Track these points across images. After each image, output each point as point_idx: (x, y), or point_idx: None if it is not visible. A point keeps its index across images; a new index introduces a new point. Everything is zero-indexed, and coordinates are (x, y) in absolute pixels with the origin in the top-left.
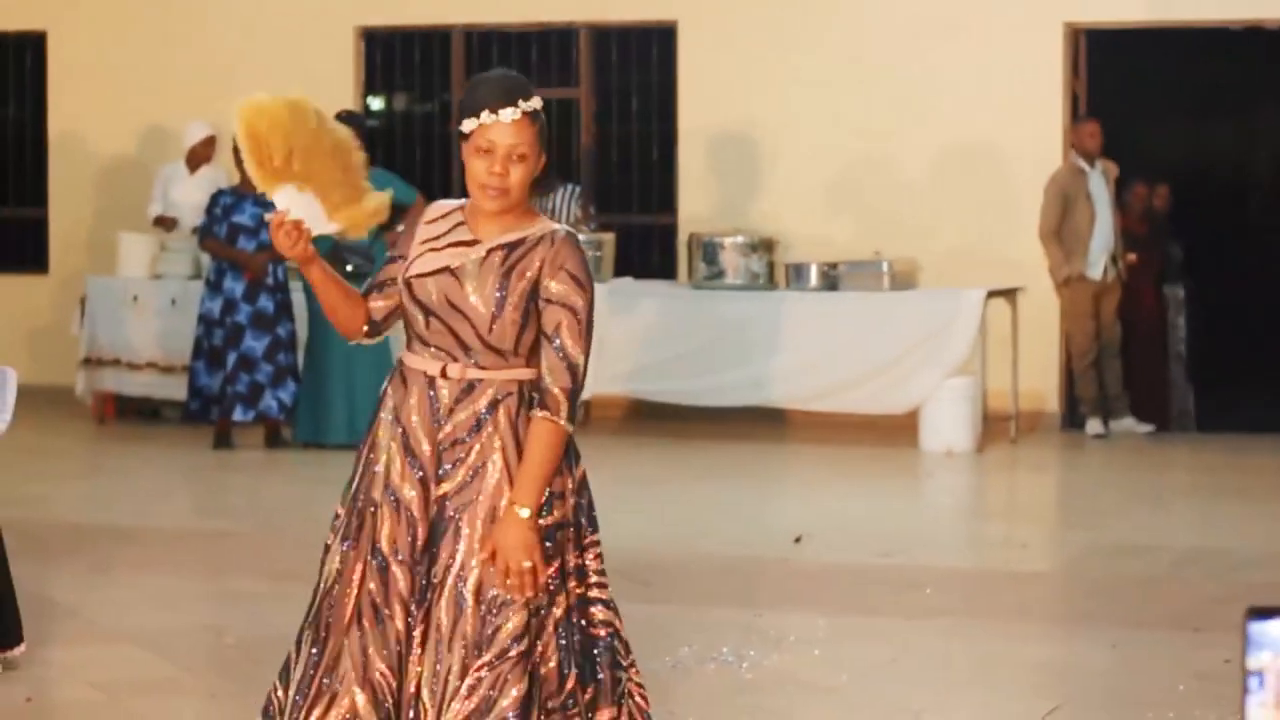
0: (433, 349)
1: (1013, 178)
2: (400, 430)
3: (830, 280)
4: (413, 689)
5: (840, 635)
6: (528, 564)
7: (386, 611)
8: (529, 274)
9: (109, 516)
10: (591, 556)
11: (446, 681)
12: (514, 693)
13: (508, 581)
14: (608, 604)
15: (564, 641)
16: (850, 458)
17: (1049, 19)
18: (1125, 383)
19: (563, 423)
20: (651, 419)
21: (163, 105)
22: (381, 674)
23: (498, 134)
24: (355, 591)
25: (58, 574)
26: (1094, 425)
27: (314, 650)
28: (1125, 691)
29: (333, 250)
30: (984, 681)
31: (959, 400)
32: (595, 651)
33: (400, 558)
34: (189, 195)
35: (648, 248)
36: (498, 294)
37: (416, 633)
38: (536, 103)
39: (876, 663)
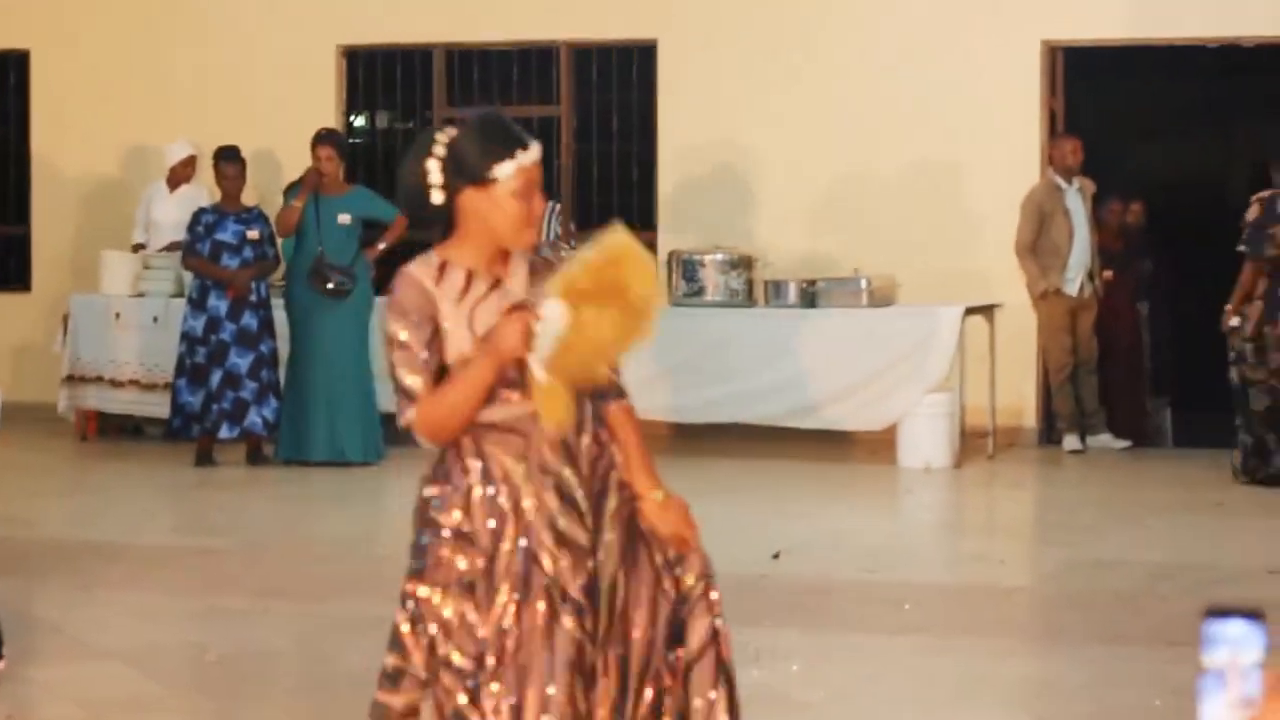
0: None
1: (991, 195)
2: (541, 475)
3: (809, 297)
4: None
5: (818, 651)
6: (692, 531)
7: (586, 655)
8: None
9: (91, 534)
10: None
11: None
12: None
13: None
14: None
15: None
16: (829, 474)
17: (1026, 37)
18: (1102, 398)
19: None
20: None
21: (145, 124)
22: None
23: (535, 171)
24: (552, 640)
25: (40, 591)
26: (1071, 441)
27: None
28: (1103, 707)
29: (314, 267)
30: (962, 698)
31: (937, 416)
32: None
33: (586, 593)
34: (169, 214)
35: None
36: None
37: (600, 663)
38: None
39: (854, 679)
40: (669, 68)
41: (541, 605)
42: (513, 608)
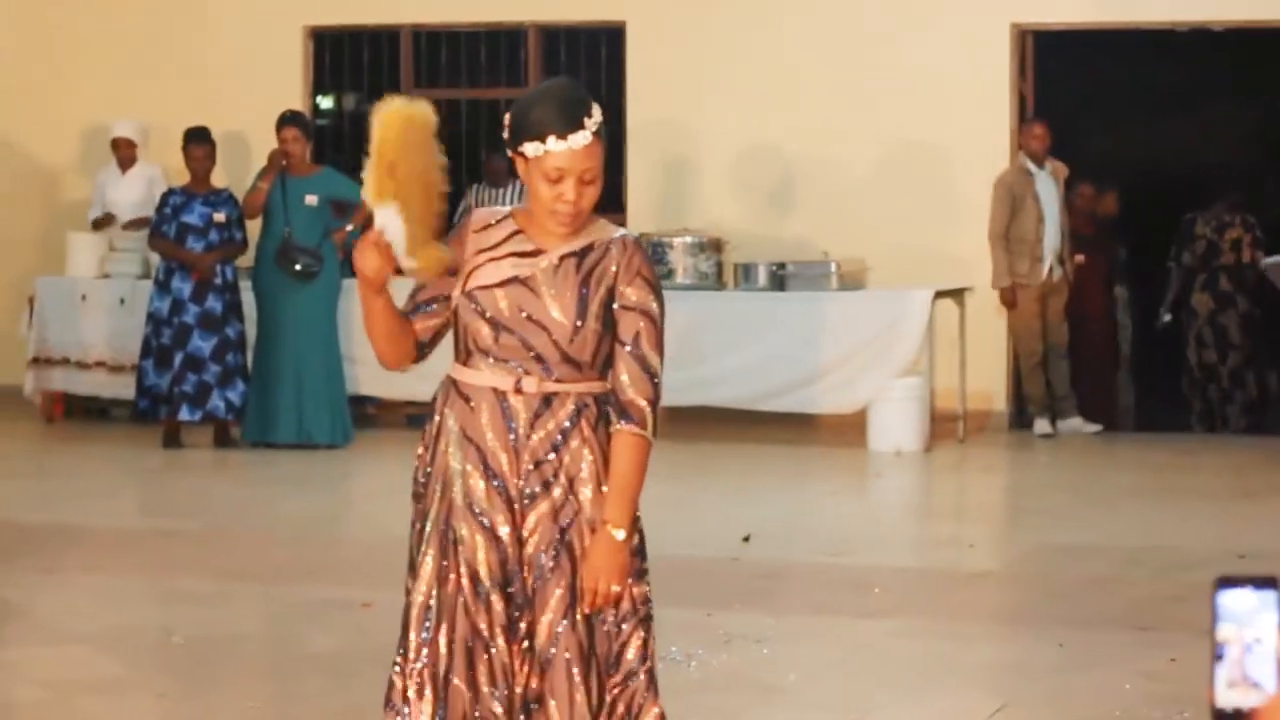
0: (501, 363)
1: (960, 178)
2: (474, 449)
3: (778, 280)
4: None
5: (788, 635)
6: (616, 588)
7: (494, 644)
8: (605, 282)
9: (57, 516)
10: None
11: (573, 704)
12: (653, 712)
13: (595, 601)
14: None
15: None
16: (799, 457)
17: (996, 20)
18: (1072, 383)
19: (649, 435)
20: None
21: (109, 106)
22: (493, 712)
23: (568, 161)
24: (461, 627)
25: (6, 574)
26: (1041, 425)
27: (431, 698)
28: (1072, 691)
29: (281, 248)
30: (931, 681)
31: (907, 400)
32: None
33: (496, 582)
34: (124, 194)
35: None
36: (578, 304)
37: (516, 662)
38: (599, 115)
39: (825, 662)
40: (638, 49)
41: (458, 592)
42: (445, 588)
